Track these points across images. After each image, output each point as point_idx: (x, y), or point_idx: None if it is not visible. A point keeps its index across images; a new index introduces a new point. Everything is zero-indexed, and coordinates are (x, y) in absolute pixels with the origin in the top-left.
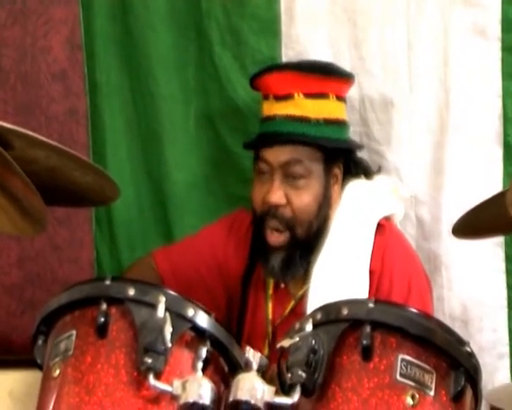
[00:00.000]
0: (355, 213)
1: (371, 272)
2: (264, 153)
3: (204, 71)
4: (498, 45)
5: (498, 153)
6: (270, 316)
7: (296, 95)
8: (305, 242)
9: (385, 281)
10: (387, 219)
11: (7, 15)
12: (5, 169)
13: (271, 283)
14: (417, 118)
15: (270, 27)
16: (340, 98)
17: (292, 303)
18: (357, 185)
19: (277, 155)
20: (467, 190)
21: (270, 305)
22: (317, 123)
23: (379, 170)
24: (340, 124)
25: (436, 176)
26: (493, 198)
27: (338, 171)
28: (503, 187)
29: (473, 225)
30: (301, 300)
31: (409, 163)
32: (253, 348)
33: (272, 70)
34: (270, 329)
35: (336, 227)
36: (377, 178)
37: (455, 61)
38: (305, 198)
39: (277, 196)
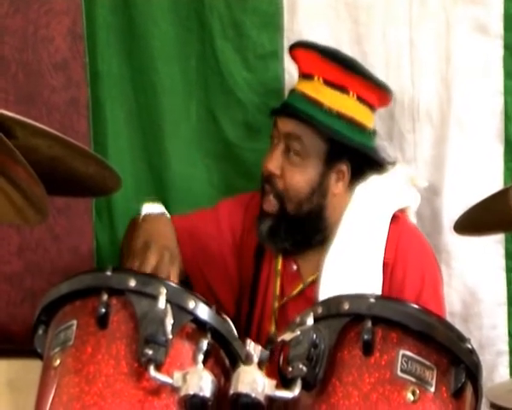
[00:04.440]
0: (370, 204)
1: (385, 264)
2: (277, 120)
3: (205, 63)
4: (500, 43)
5: (499, 150)
6: (278, 292)
7: (316, 78)
8: (294, 219)
9: (398, 272)
10: (402, 211)
11: (9, 4)
12: (8, 158)
13: (280, 259)
14: (419, 114)
15: (272, 21)
16: (363, 100)
17: (300, 286)
18: (371, 181)
19: (284, 124)
20: (467, 186)
21: (278, 281)
22: (329, 112)
23: (394, 164)
24: (356, 125)
25: (437, 172)
26: (495, 195)
27: (344, 168)
28: (504, 184)
29: (475, 221)
30: (311, 285)
31: (410, 158)
32: (262, 324)
33: (298, 47)
34: (276, 305)
35: (349, 218)
36: (393, 170)
37: (457, 58)
38: (296, 176)
39: (274, 164)
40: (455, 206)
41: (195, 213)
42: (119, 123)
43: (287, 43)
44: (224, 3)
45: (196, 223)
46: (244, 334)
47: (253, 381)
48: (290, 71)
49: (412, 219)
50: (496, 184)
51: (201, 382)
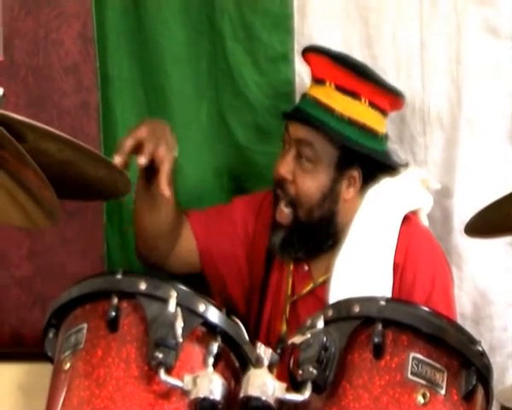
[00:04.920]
0: (381, 205)
1: (395, 265)
2: (288, 125)
3: (216, 66)
4: (511, 44)
5: (510, 151)
6: (289, 292)
7: (328, 83)
8: (306, 226)
9: (408, 274)
10: (414, 212)
11: (20, 8)
12: (19, 162)
13: (291, 263)
14: (430, 116)
15: (283, 24)
16: (375, 106)
17: (311, 285)
18: (383, 183)
19: (295, 130)
20: (478, 188)
21: (290, 281)
22: (341, 118)
23: (406, 166)
24: (368, 131)
25: (448, 174)
26: (506, 198)
27: (356, 173)
28: None
29: (485, 224)
30: (322, 285)
31: (421, 161)
32: (272, 323)
33: (310, 51)
34: (287, 304)
35: (361, 219)
36: (406, 171)
37: (467, 60)
38: (308, 182)
39: (285, 169)
40: (466, 208)
41: (211, 209)
42: (130, 126)
43: (297, 46)
44: (234, 5)
45: (212, 218)
46: (254, 333)
47: (263, 384)
48: (301, 73)
49: (424, 221)
50: (507, 187)
51: (211, 385)
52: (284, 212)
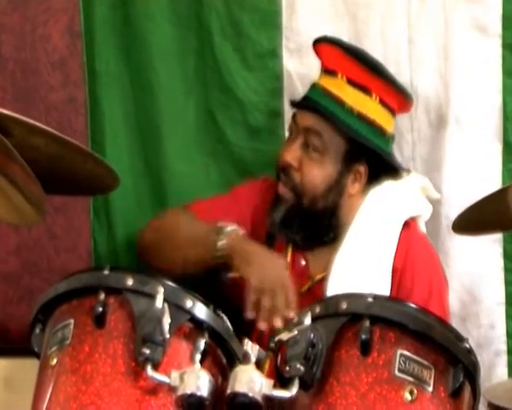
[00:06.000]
0: (383, 208)
1: (394, 270)
2: (296, 113)
3: (204, 62)
4: (499, 42)
5: (498, 149)
6: None
7: (340, 75)
8: (308, 214)
9: (407, 280)
10: (413, 219)
11: (7, 2)
12: (5, 157)
13: (289, 252)
14: (417, 113)
15: (271, 20)
16: (385, 104)
17: (309, 283)
18: (385, 185)
19: (304, 118)
20: (466, 185)
21: None
22: (350, 112)
23: (408, 171)
24: (376, 128)
25: (435, 171)
26: (494, 194)
27: (362, 169)
28: (502, 183)
29: (473, 221)
30: (319, 283)
31: (408, 157)
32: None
33: (323, 42)
34: None
35: (362, 219)
36: (407, 178)
37: (455, 57)
38: (314, 171)
39: (292, 156)
40: (453, 205)
41: (214, 200)
42: (117, 121)
43: (285, 42)
44: (222, 2)
45: (215, 204)
46: (251, 327)
47: (250, 380)
48: (289, 69)
49: (423, 228)
50: (494, 184)
51: (199, 381)
52: (286, 190)
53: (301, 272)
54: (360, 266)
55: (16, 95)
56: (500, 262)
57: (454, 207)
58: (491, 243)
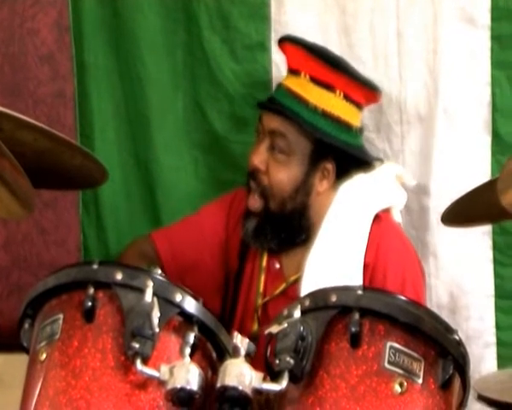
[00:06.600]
0: (353, 204)
1: (365, 265)
2: (262, 115)
3: (192, 55)
4: (488, 34)
5: (487, 141)
6: (261, 289)
7: (303, 74)
8: (278, 218)
9: (379, 273)
10: (386, 210)
11: None
12: None
13: (265, 256)
14: (406, 105)
15: (260, 12)
16: (349, 99)
17: (283, 285)
18: (356, 179)
19: (269, 120)
20: (455, 178)
21: (262, 278)
22: (314, 110)
23: (382, 161)
24: (342, 124)
25: (424, 164)
26: (484, 186)
27: (330, 166)
28: (492, 175)
29: (462, 213)
30: (294, 284)
31: (397, 150)
32: (244, 322)
33: (286, 41)
34: (259, 302)
35: (332, 217)
36: (381, 167)
37: (444, 49)
38: (280, 174)
39: (259, 159)
40: (442, 197)
41: (178, 225)
42: (106, 115)
43: (274, 34)
44: None
45: (180, 238)
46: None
47: (240, 374)
48: (277, 62)
49: (397, 217)
50: (484, 176)
51: (188, 375)
52: (255, 199)
53: (276, 275)
54: (332, 264)
55: (4, 89)
56: (489, 254)
57: (443, 199)
58: (481, 236)
